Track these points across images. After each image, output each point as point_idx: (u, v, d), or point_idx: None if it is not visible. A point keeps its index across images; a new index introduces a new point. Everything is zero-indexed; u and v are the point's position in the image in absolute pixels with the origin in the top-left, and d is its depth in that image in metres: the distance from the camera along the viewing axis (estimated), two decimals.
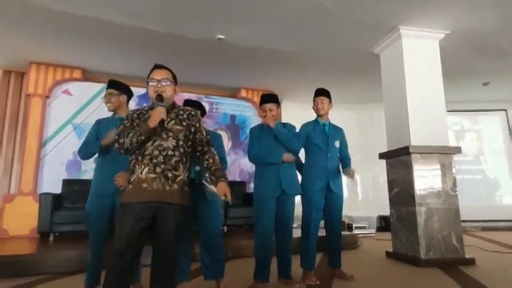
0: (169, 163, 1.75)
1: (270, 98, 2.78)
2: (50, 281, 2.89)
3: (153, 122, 1.73)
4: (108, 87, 2.49)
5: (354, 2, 3.39)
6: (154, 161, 1.74)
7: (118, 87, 2.51)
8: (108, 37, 4.21)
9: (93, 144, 2.41)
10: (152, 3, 3.43)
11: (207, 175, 1.80)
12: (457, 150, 3.76)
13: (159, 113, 1.74)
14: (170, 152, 1.76)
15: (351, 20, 3.72)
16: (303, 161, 3.01)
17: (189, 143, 1.86)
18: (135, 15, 3.65)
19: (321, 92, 3.01)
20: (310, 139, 2.97)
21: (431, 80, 3.88)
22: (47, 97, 5.04)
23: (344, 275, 2.86)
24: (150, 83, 1.84)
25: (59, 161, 4.97)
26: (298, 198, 2.93)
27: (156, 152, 1.75)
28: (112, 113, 2.52)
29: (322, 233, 2.91)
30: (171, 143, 1.78)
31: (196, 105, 2.72)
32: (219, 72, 5.47)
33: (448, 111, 3.99)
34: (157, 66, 1.90)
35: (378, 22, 3.76)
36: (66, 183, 4.69)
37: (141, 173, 1.73)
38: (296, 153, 2.81)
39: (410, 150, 3.57)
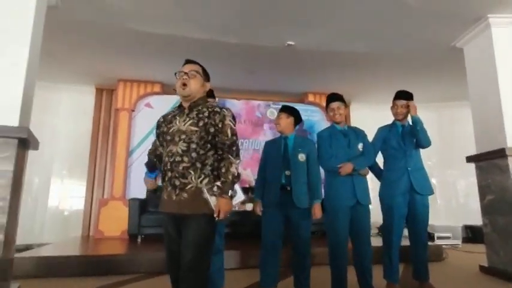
0: (176, 170, 1.61)
1: (337, 97, 2.70)
2: (140, 280, 3.15)
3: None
4: None
5: None
6: (165, 168, 1.66)
7: None
8: (183, 52, 4.45)
9: None
10: (225, 17, 3.59)
11: (217, 183, 1.64)
12: None
13: (146, 185, 1.90)
14: (178, 158, 1.62)
15: (428, 14, 3.46)
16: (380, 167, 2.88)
17: (208, 145, 1.67)
18: (209, 29, 3.86)
19: (404, 96, 2.80)
20: (386, 143, 2.83)
21: None
22: (132, 110, 5.56)
23: None
24: (177, 76, 1.76)
25: (144, 169, 5.40)
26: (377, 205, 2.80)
27: (166, 159, 1.66)
28: None
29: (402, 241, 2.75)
30: (180, 147, 1.63)
31: (293, 111, 2.71)
32: (286, 78, 5.50)
33: None
34: (187, 61, 1.83)
35: (460, 13, 3.44)
36: None
37: (162, 181, 1.73)
38: (371, 164, 2.73)
39: (507, 152, 3.17)
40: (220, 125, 1.67)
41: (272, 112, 6.29)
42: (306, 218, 2.55)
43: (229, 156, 1.66)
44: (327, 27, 3.79)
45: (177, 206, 1.60)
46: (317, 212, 2.54)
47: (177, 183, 1.61)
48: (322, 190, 2.66)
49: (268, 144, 2.82)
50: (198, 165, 1.63)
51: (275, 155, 2.64)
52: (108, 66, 5.00)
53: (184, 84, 1.71)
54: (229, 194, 1.61)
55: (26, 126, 2.49)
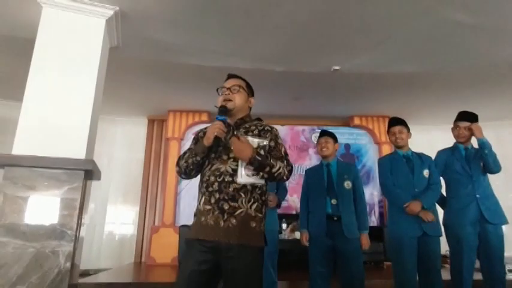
0: (226, 191, 1.43)
1: (398, 120, 2.62)
2: None
3: (207, 140, 1.46)
4: None
5: (493, 13, 2.99)
6: (210, 189, 1.46)
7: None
8: None
9: None
10: (272, 47, 3.67)
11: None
12: None
13: (213, 128, 1.46)
14: (228, 178, 1.45)
15: (490, 31, 3.28)
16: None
17: None
18: (256, 59, 3.96)
19: (467, 117, 2.64)
20: (449, 167, 2.64)
21: None
22: (181, 139, 5.78)
23: None
24: (219, 92, 1.64)
25: (192, 196, 5.54)
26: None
27: (212, 178, 1.48)
28: None
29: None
30: (230, 166, 1.47)
31: (336, 137, 2.67)
32: (332, 102, 5.45)
33: None
34: (229, 76, 1.71)
35: None
36: None
37: (200, 203, 1.50)
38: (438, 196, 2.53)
39: None
40: (272, 144, 1.56)
41: (317, 137, 6.22)
42: (357, 248, 2.43)
43: (285, 161, 1.53)
44: (376, 51, 3.73)
45: (224, 233, 1.39)
46: (365, 242, 2.46)
47: (226, 207, 1.42)
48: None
49: (309, 172, 2.77)
50: (249, 187, 1.47)
51: (318, 182, 2.57)
52: (159, 98, 5.29)
53: (227, 100, 1.60)
54: (256, 159, 1.43)
55: (91, 159, 2.66)
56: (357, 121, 6.14)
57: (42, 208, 2.35)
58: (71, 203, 2.41)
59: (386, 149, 6.06)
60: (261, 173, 1.47)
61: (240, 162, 1.47)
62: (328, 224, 2.42)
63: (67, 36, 2.72)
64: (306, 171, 2.81)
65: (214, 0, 2.91)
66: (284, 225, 4.86)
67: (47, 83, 2.59)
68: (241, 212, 1.43)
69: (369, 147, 6.24)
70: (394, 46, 3.65)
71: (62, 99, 2.60)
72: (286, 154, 1.58)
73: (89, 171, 2.54)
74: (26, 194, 2.33)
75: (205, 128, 1.63)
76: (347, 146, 6.20)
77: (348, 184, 2.51)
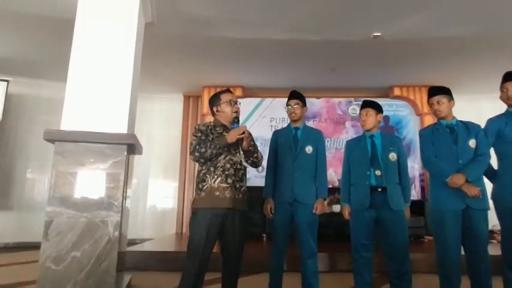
0: (237, 175, 2.06)
1: (436, 90, 2.40)
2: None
3: (231, 139, 2.00)
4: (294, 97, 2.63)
5: None
6: (227, 172, 2.02)
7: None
8: (263, 54, 4.57)
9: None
10: (310, 15, 3.54)
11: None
12: None
13: (237, 133, 2.00)
14: (239, 166, 2.08)
15: None
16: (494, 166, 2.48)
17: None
18: (291, 29, 3.84)
19: None
20: (501, 137, 2.42)
21: None
22: None
23: None
24: (232, 104, 2.15)
25: None
26: None
27: (228, 165, 2.04)
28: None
29: None
30: (239, 158, 2.09)
31: (380, 107, 2.59)
32: (370, 72, 5.21)
33: None
34: (228, 90, 2.24)
35: None
36: None
37: (213, 182, 2.01)
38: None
39: None
40: (253, 143, 2.18)
41: (354, 109, 6.02)
42: (402, 220, 2.35)
43: (260, 152, 2.21)
44: (420, 14, 3.46)
45: (237, 203, 2.03)
46: (407, 215, 2.42)
47: (238, 185, 2.05)
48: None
49: (351, 143, 2.65)
50: (245, 172, 2.14)
51: (361, 154, 2.48)
52: (193, 74, 5.33)
53: (238, 112, 2.18)
54: (250, 148, 2.10)
55: (133, 133, 2.76)
56: (397, 92, 5.85)
57: (90, 181, 2.48)
58: (116, 176, 2.53)
59: (429, 121, 5.74)
60: (251, 159, 2.13)
61: (240, 152, 2.09)
62: (372, 195, 2.36)
63: (104, 13, 2.76)
64: (347, 142, 2.71)
65: None
66: None
67: (88, 61, 2.68)
68: (244, 188, 2.11)
69: (410, 119, 5.96)
70: (441, 8, 3.37)
71: (102, 76, 2.68)
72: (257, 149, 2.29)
73: (132, 145, 2.63)
74: (75, 168, 2.47)
75: (207, 126, 2.15)
76: (386, 118, 5.95)
77: (393, 156, 2.41)
